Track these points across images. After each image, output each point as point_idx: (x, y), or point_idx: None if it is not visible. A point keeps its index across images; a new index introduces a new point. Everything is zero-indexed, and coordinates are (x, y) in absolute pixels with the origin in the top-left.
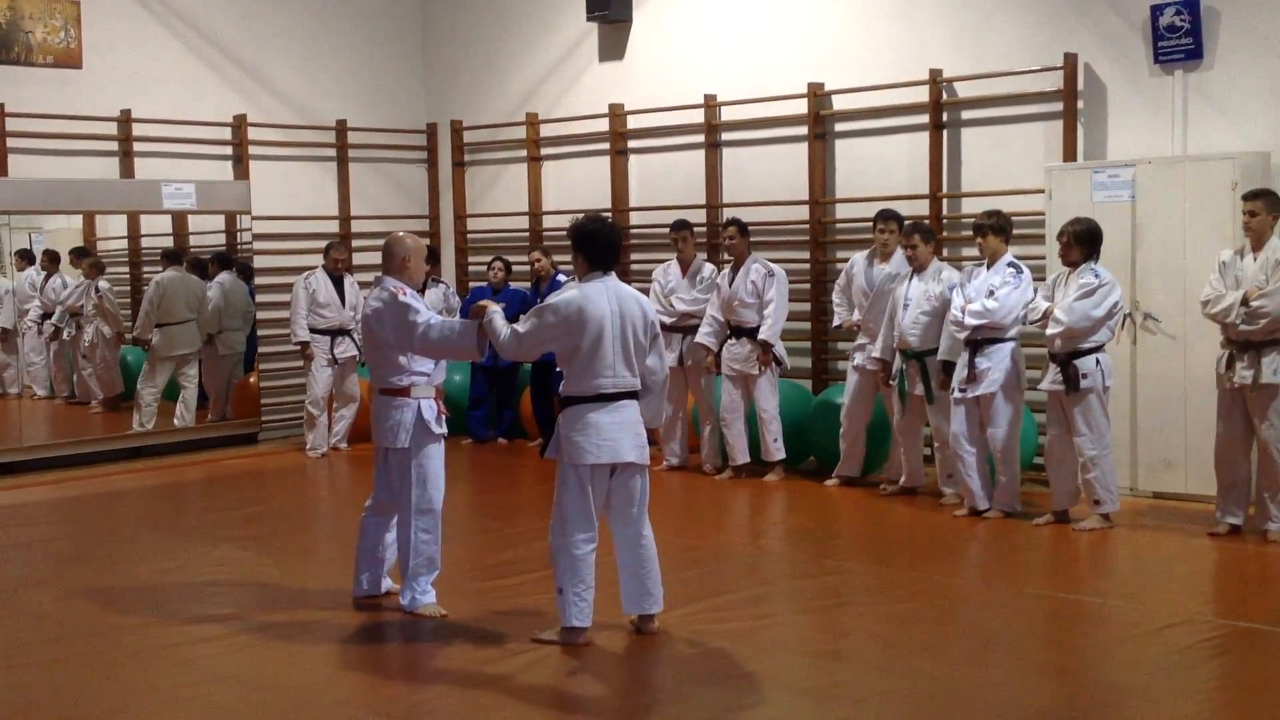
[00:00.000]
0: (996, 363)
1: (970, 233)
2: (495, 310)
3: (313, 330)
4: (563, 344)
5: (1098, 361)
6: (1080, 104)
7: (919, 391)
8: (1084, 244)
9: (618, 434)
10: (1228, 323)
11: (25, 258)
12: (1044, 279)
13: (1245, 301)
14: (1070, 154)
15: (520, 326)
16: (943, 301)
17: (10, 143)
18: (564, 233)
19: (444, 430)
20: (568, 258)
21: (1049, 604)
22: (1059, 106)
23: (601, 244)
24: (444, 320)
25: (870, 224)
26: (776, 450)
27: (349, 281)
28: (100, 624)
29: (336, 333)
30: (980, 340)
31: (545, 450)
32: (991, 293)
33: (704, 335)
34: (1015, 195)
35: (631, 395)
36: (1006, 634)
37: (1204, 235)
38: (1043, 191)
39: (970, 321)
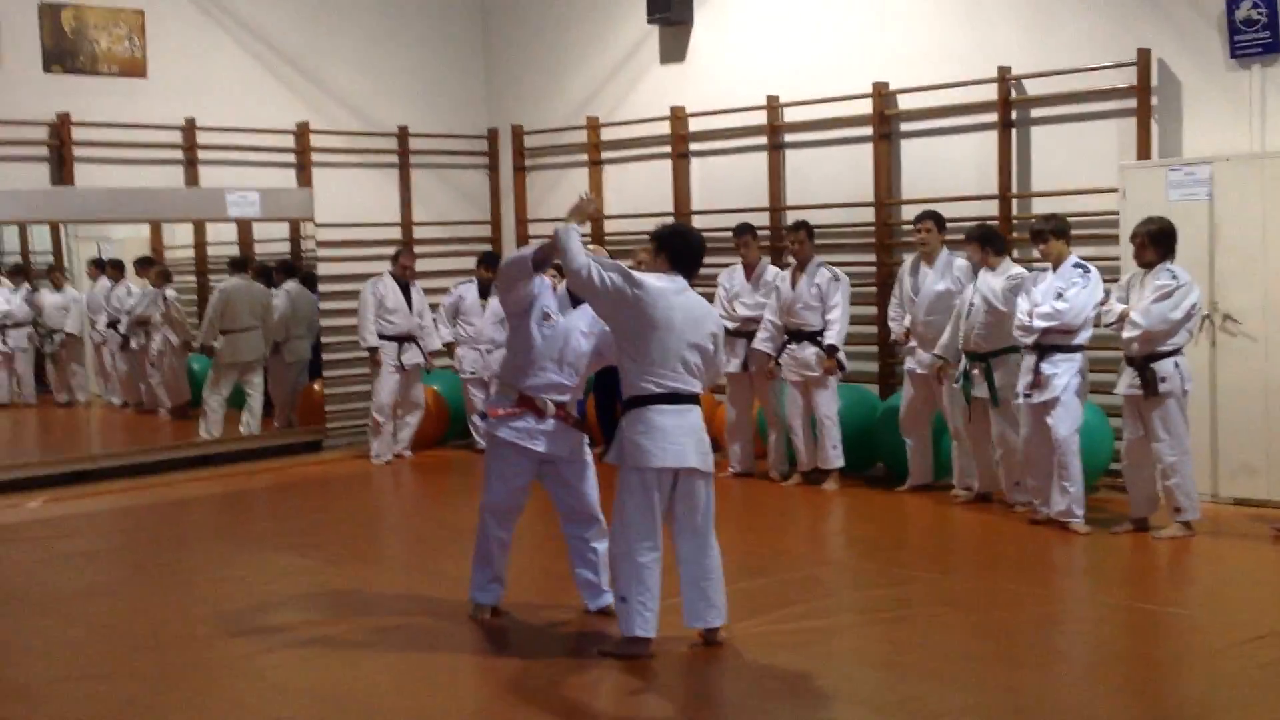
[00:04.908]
0: (1063, 369)
1: None
2: (575, 229)
3: (380, 336)
4: (634, 320)
5: (1176, 364)
6: (1154, 100)
7: (982, 394)
8: (1159, 244)
9: (683, 438)
10: None
11: (98, 267)
12: (1118, 280)
13: None
14: (1144, 152)
15: (597, 266)
16: (1007, 301)
17: (77, 152)
18: (626, 236)
19: (499, 431)
20: (629, 263)
21: (1127, 615)
22: (1132, 103)
23: (689, 248)
24: None
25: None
26: (835, 457)
27: (416, 288)
28: (167, 634)
29: (404, 339)
30: (1048, 346)
31: (606, 454)
32: (1060, 295)
33: (761, 341)
34: (1088, 195)
35: (694, 399)
36: (1083, 646)
37: None
38: (1116, 191)
39: (1039, 324)
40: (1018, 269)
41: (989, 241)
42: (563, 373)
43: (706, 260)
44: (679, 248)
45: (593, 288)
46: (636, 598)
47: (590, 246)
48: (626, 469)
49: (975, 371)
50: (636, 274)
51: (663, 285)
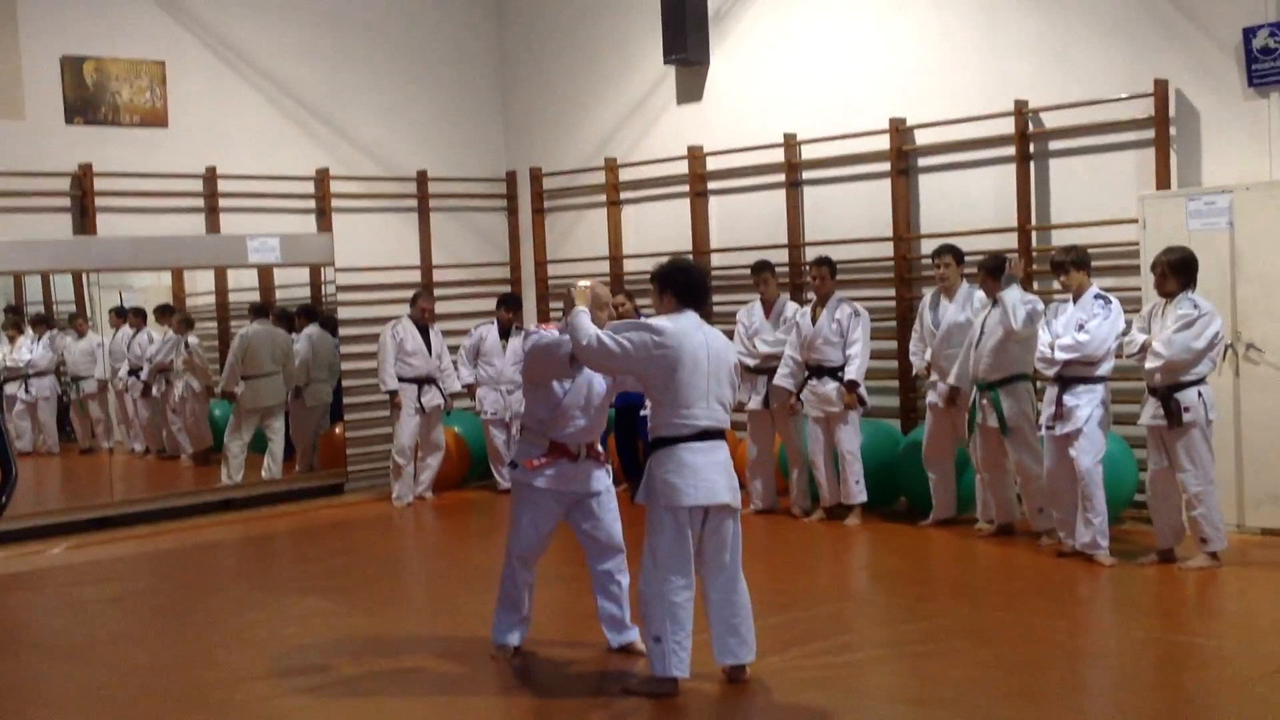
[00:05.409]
0: (1086, 401)
1: None
2: (582, 310)
3: (399, 379)
4: (664, 367)
5: (1200, 394)
6: (1172, 130)
7: (993, 424)
8: (1179, 274)
9: (714, 475)
10: None
11: (119, 315)
12: (1140, 310)
13: None
14: (1163, 182)
15: (608, 334)
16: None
17: (99, 201)
18: (646, 275)
19: (535, 480)
20: (648, 301)
21: (1155, 647)
22: (1150, 133)
23: (693, 281)
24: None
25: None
26: (858, 492)
27: (435, 331)
28: (190, 679)
29: (423, 381)
30: (1069, 378)
31: (636, 495)
32: (1081, 326)
33: (782, 377)
34: (1107, 226)
35: (722, 434)
36: (1111, 679)
37: None
38: (1136, 221)
39: (1061, 356)
40: (1030, 299)
41: (991, 271)
42: (589, 416)
43: (726, 298)
44: (683, 282)
45: (609, 354)
46: (672, 638)
47: (584, 284)
48: (658, 509)
49: (985, 401)
50: (653, 322)
51: (681, 325)
